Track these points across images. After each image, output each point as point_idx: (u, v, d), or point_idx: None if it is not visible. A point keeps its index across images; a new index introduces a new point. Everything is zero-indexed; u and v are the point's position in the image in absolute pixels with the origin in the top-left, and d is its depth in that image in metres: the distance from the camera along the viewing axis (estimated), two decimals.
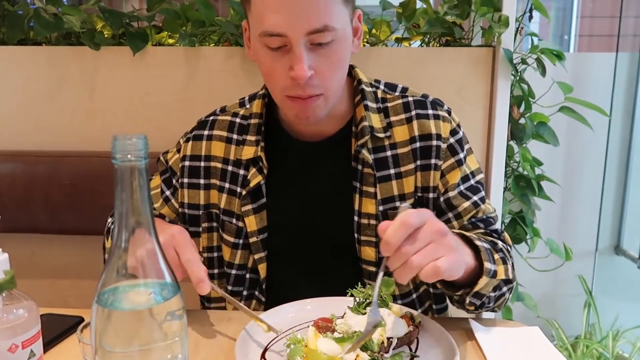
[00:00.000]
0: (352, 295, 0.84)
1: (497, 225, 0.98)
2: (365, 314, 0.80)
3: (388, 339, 0.77)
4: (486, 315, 1.22)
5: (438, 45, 1.46)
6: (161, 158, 1.06)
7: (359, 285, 0.84)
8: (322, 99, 0.87)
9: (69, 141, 1.44)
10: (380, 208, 0.94)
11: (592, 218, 1.94)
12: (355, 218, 0.95)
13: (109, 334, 0.49)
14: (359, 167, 0.94)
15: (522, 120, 1.50)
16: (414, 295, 1.01)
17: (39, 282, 1.50)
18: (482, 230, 0.96)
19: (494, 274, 0.82)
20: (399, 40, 1.45)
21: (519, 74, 1.47)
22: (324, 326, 0.79)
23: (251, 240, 0.97)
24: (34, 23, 1.35)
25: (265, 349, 0.77)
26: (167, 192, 1.03)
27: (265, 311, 0.86)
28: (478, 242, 0.82)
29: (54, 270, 1.50)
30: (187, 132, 1.04)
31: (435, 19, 1.40)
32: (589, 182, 1.90)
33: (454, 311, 1.04)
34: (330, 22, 0.80)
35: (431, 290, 1.02)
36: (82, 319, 0.86)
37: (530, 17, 1.50)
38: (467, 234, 0.86)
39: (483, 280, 0.80)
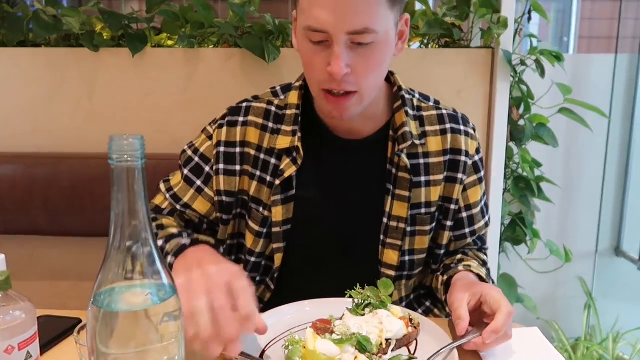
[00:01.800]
0: (350, 296, 0.84)
1: (487, 243, 1.11)
2: (363, 315, 0.80)
3: (387, 340, 0.76)
4: None
5: (437, 46, 1.46)
6: (187, 151, 1.02)
7: (358, 286, 0.84)
8: (357, 97, 0.88)
9: (68, 143, 1.44)
10: (409, 212, 0.97)
11: (592, 219, 1.94)
12: (385, 220, 0.97)
13: (105, 335, 0.48)
14: (394, 170, 0.96)
15: (521, 122, 1.50)
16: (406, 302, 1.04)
17: (38, 283, 1.49)
18: (476, 247, 1.07)
19: None
20: None
21: (518, 75, 1.47)
22: (323, 327, 0.79)
23: (274, 230, 0.97)
24: (34, 25, 1.35)
25: (264, 351, 0.77)
26: (198, 182, 0.99)
27: (265, 312, 0.86)
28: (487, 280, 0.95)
29: (53, 272, 1.50)
30: (215, 120, 1.01)
31: (434, 20, 1.40)
32: (588, 183, 1.90)
33: None
34: (372, 25, 0.81)
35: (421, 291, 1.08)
36: (79, 321, 0.86)
37: (529, 19, 1.50)
38: (475, 268, 0.95)
39: None
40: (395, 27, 0.88)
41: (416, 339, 0.81)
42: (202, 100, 1.41)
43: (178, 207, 1.00)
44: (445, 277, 0.96)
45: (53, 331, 0.82)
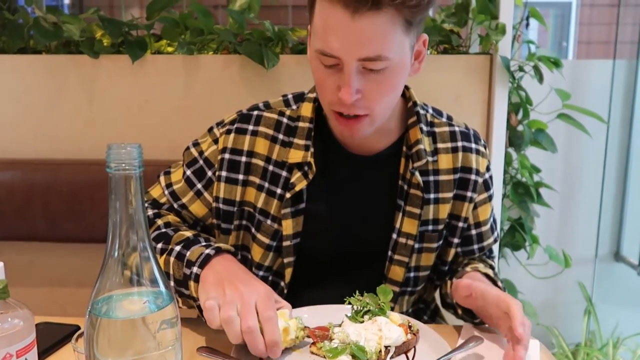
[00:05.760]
0: (349, 303, 0.83)
1: (494, 252, 1.12)
2: (362, 322, 0.80)
3: (386, 347, 0.76)
4: None
5: (436, 52, 1.47)
6: (192, 149, 1.00)
7: (357, 293, 0.84)
8: (368, 120, 0.87)
9: (68, 149, 1.45)
10: (418, 229, 0.97)
11: (591, 225, 1.94)
12: (394, 236, 0.96)
13: (103, 343, 0.49)
14: (405, 187, 0.96)
15: (520, 127, 1.50)
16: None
17: (37, 290, 1.49)
18: (485, 256, 1.07)
19: None
20: None
21: (516, 81, 1.48)
22: (322, 335, 0.79)
23: (284, 243, 0.96)
24: (34, 32, 1.36)
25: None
26: (199, 185, 0.98)
27: None
28: (499, 285, 0.95)
29: (53, 278, 1.50)
30: (223, 123, 0.99)
31: (432, 26, 1.41)
32: (587, 188, 1.90)
33: (452, 319, 1.04)
34: (385, 53, 0.79)
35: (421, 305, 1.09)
36: (78, 328, 0.86)
37: (527, 25, 1.50)
38: (482, 268, 0.97)
39: None
40: (412, 49, 0.85)
41: (414, 347, 0.81)
42: (202, 106, 1.42)
43: (175, 205, 0.99)
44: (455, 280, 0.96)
45: (51, 338, 0.82)
